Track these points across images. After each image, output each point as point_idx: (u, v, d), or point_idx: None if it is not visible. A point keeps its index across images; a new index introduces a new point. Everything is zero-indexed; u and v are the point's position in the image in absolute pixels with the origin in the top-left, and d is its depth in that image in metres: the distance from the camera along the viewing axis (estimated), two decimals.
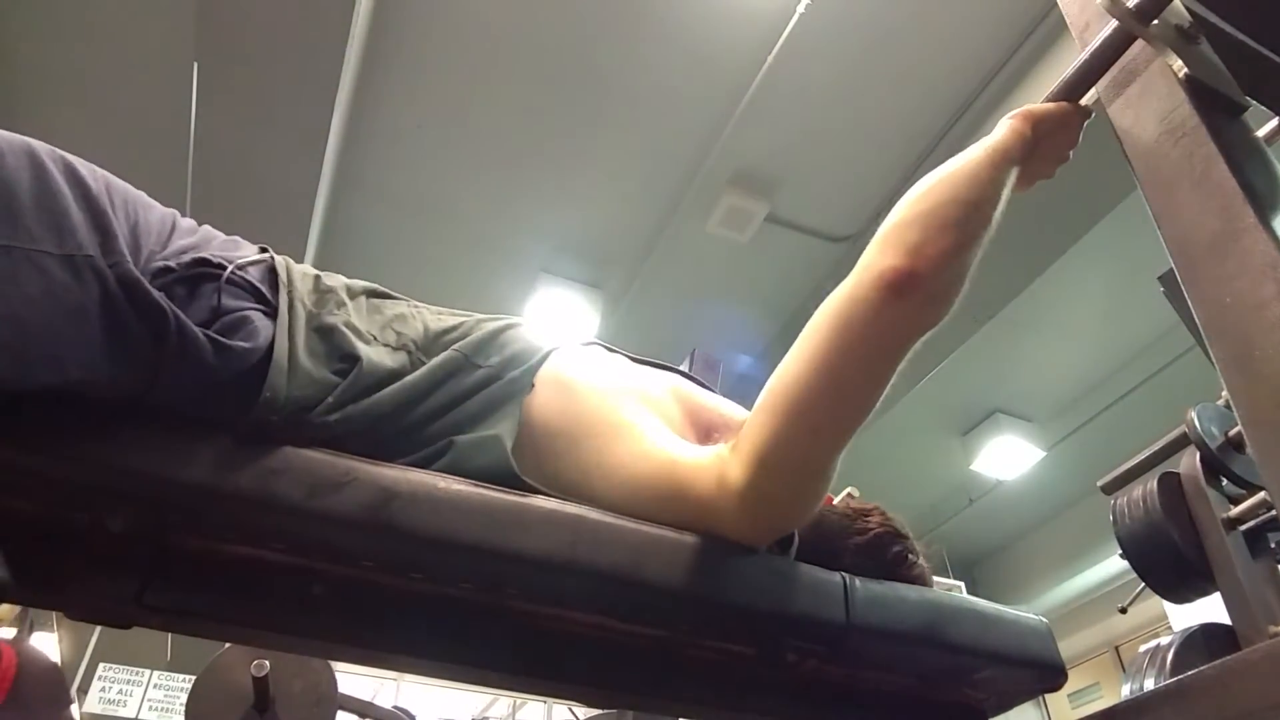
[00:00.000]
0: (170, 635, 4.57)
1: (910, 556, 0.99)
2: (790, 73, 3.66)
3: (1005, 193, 0.84)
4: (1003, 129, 0.89)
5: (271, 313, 0.82)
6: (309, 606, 0.79)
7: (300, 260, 0.96)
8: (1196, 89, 0.79)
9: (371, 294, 0.96)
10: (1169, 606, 2.91)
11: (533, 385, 0.91)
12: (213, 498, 0.72)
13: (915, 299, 0.76)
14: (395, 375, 0.87)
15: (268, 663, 1.80)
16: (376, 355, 0.87)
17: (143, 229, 0.77)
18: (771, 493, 0.82)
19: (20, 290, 0.65)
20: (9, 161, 0.68)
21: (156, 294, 0.72)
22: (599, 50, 3.68)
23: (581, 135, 4.05)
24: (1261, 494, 1.47)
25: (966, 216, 0.79)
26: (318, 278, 0.92)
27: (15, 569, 0.71)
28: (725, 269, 4.67)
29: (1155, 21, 0.81)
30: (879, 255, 0.78)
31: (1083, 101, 0.92)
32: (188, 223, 0.86)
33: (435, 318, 0.97)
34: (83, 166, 0.74)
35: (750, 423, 0.82)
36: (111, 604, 0.74)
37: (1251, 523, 1.48)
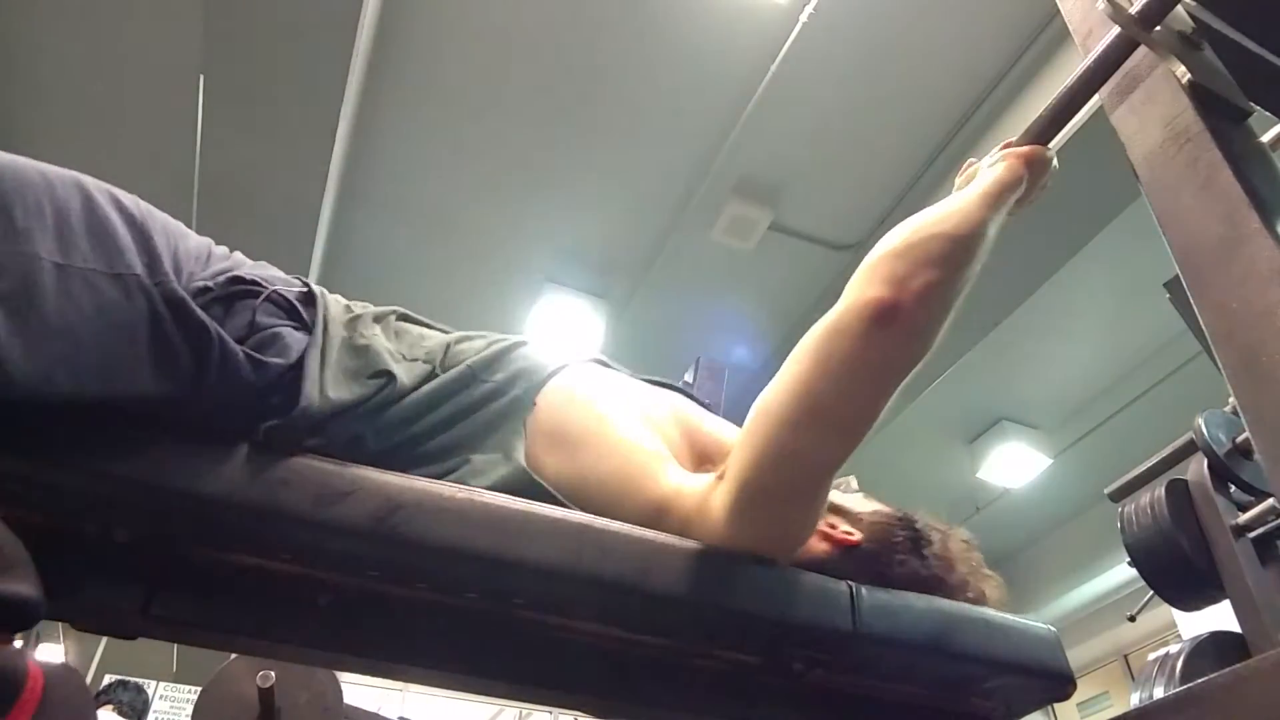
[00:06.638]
0: (176, 646, 4.57)
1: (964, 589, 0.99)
2: (793, 81, 3.66)
3: (994, 231, 0.84)
4: (1000, 167, 0.90)
5: (304, 328, 0.85)
6: (315, 617, 0.79)
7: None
8: (1200, 95, 0.79)
9: (400, 317, 1.01)
10: (1178, 614, 2.89)
11: (534, 404, 0.93)
12: (219, 508, 0.72)
13: (897, 331, 0.77)
14: (417, 387, 0.90)
15: (273, 674, 1.80)
16: (405, 371, 0.90)
17: (183, 254, 0.81)
18: (753, 521, 0.82)
19: (75, 306, 0.69)
20: (59, 192, 0.72)
21: (200, 312, 0.76)
22: (604, 60, 3.70)
23: (586, 145, 4.06)
24: (1270, 500, 1.46)
25: (953, 252, 0.80)
26: (348, 306, 0.96)
27: None
28: (729, 277, 4.67)
29: (1158, 28, 0.81)
30: (864, 286, 0.79)
31: (1085, 108, 0.92)
32: (221, 249, 0.91)
33: (454, 335, 1.01)
34: (126, 197, 0.79)
35: (735, 451, 0.83)
36: (118, 614, 0.74)
37: (1260, 530, 1.47)
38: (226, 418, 0.78)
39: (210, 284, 0.81)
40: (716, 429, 1.04)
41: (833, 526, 0.98)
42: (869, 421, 0.80)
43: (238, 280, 0.83)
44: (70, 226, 0.71)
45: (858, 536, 0.97)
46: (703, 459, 0.97)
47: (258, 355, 0.79)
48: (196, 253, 0.84)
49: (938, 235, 0.81)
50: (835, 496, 1.03)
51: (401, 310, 1.02)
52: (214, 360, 0.76)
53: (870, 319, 0.76)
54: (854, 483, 1.11)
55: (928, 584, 0.96)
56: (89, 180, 0.77)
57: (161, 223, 0.81)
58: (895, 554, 0.98)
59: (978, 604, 0.97)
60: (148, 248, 0.75)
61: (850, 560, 0.95)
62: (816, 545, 0.96)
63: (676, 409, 1.03)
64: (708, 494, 0.85)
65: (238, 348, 0.78)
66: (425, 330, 1.01)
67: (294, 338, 0.83)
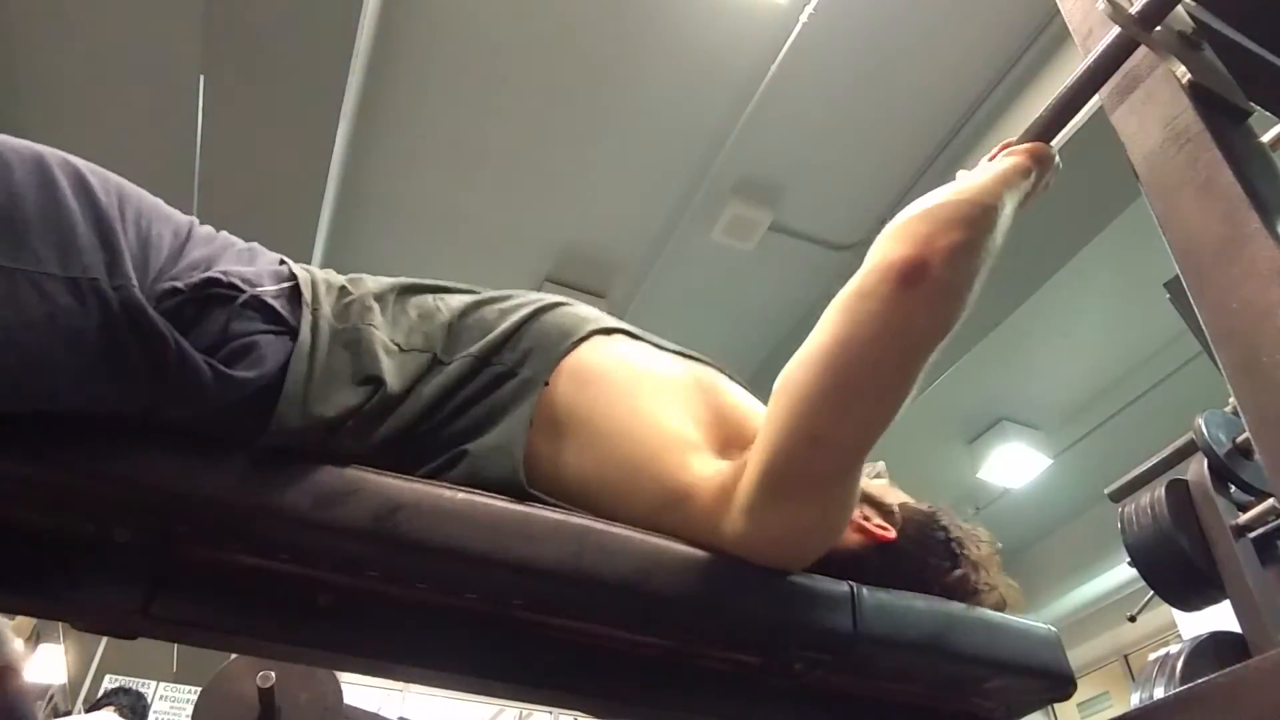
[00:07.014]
0: (176, 646, 4.57)
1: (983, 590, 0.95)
2: (794, 81, 3.66)
3: (1010, 210, 0.81)
4: (1005, 159, 0.87)
5: (287, 332, 0.78)
6: (315, 617, 0.79)
7: None
8: (1200, 95, 0.79)
9: (403, 290, 0.92)
10: (1178, 614, 2.88)
11: (547, 383, 0.86)
12: (219, 508, 0.72)
13: (925, 291, 0.73)
14: (414, 383, 0.84)
15: (273, 674, 1.80)
16: (399, 367, 0.83)
17: (154, 244, 0.74)
18: (781, 513, 0.78)
19: (21, 314, 0.64)
20: (17, 176, 0.66)
21: (159, 320, 0.70)
22: (604, 60, 3.70)
23: (586, 144, 4.06)
24: (1270, 501, 1.46)
25: (975, 216, 0.77)
26: (343, 288, 0.88)
27: (20, 579, 0.71)
28: (730, 277, 4.68)
29: (1158, 28, 0.81)
30: (888, 247, 0.75)
31: (1085, 108, 0.92)
32: (204, 231, 0.83)
33: (463, 305, 0.92)
34: (94, 177, 0.72)
35: (758, 439, 0.79)
36: (117, 615, 0.74)
37: (1260, 530, 1.47)
38: (205, 428, 0.74)
39: (181, 285, 0.73)
40: (746, 408, 0.96)
41: (866, 519, 0.94)
42: (901, 395, 0.75)
43: (213, 282, 0.75)
44: (22, 221, 0.64)
45: (893, 533, 0.94)
46: (730, 439, 0.89)
47: (223, 368, 0.72)
48: (171, 240, 0.76)
49: (957, 201, 0.78)
50: (863, 482, 0.96)
51: (407, 282, 0.93)
52: (170, 370, 0.70)
53: (897, 279, 0.73)
54: (881, 468, 1.05)
55: (952, 588, 0.93)
56: (54, 157, 0.70)
57: (135, 208, 0.74)
58: (929, 556, 0.95)
59: (997, 610, 0.94)
60: (109, 243, 0.68)
61: (880, 557, 0.92)
62: (849, 537, 0.92)
63: (701, 379, 0.96)
64: (729, 483, 0.80)
65: (199, 357, 0.71)
66: (433, 303, 0.91)
67: (273, 347, 0.76)
